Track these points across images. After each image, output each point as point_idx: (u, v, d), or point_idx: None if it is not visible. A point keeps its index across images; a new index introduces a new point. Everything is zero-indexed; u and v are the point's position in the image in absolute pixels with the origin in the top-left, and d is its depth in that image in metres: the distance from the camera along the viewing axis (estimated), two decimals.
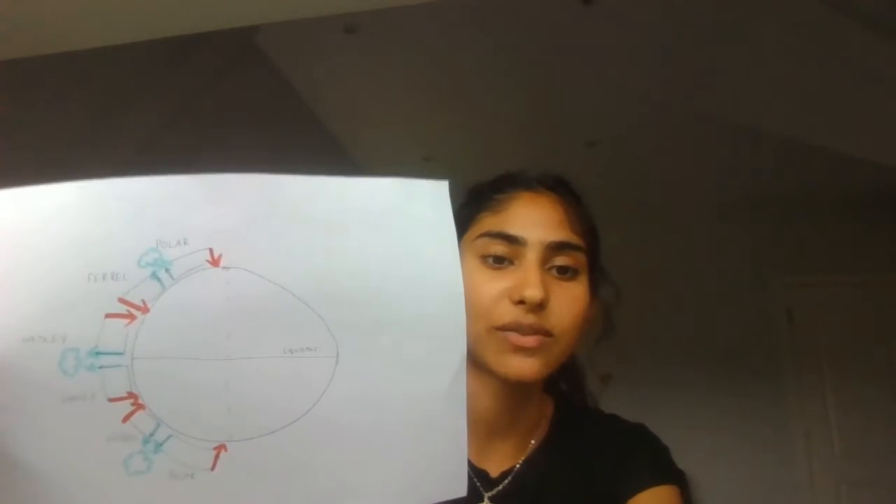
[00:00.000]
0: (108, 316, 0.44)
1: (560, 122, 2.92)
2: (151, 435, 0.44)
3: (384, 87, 2.68)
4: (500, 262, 0.63)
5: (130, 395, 0.44)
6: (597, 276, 0.69)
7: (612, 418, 0.73)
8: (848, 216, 3.61)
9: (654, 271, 3.49)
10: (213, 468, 0.45)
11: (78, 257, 0.44)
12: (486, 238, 0.64)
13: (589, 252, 0.66)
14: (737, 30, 2.23)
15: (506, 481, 0.66)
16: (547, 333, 0.61)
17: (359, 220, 0.49)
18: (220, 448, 0.45)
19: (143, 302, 0.44)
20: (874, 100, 2.31)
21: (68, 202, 0.45)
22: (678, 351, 3.58)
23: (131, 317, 0.44)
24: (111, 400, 0.43)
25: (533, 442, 0.69)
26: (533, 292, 0.59)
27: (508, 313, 0.60)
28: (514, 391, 0.65)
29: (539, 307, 0.60)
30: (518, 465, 0.67)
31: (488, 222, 0.65)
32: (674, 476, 0.67)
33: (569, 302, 0.63)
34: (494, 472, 0.67)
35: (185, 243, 0.45)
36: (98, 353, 0.43)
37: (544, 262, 0.63)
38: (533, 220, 0.64)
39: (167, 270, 0.45)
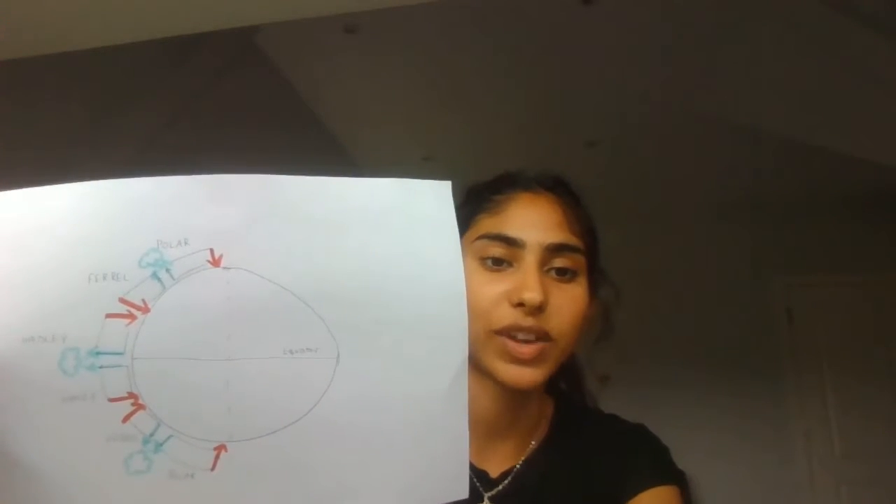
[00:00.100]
0: (108, 316, 0.44)
1: (560, 122, 2.92)
2: (151, 435, 0.44)
3: (384, 87, 2.68)
4: (498, 264, 0.63)
5: (130, 395, 0.44)
6: (596, 276, 0.69)
7: (612, 418, 0.73)
8: (848, 216, 3.61)
9: (654, 271, 3.50)
10: (213, 468, 0.45)
11: (79, 257, 0.44)
12: (484, 240, 0.64)
13: (588, 253, 0.66)
14: (737, 30, 2.23)
15: (506, 481, 0.66)
16: (546, 336, 0.61)
17: (360, 220, 0.49)
18: (221, 448, 0.45)
19: (144, 302, 0.44)
20: (874, 100, 2.31)
21: (69, 203, 0.45)
22: (678, 351, 3.58)
23: (132, 317, 0.44)
24: (111, 400, 0.43)
25: (533, 442, 0.69)
26: (532, 295, 0.59)
27: (508, 316, 0.60)
28: (514, 393, 0.65)
29: (538, 310, 0.60)
30: (518, 466, 0.67)
31: (487, 224, 0.65)
32: (674, 476, 0.67)
33: (568, 304, 0.62)
34: (494, 472, 0.67)
35: (185, 243, 0.45)
36: (98, 353, 0.43)
37: (543, 264, 0.62)
38: (532, 222, 0.64)
39: (168, 271, 0.45)
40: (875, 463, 3.53)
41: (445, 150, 3.14)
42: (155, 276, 0.45)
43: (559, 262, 0.63)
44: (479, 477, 0.66)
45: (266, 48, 2.49)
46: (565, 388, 0.77)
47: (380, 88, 2.69)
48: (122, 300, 0.44)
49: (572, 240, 0.64)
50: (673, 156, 3.18)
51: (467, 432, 0.51)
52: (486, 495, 0.66)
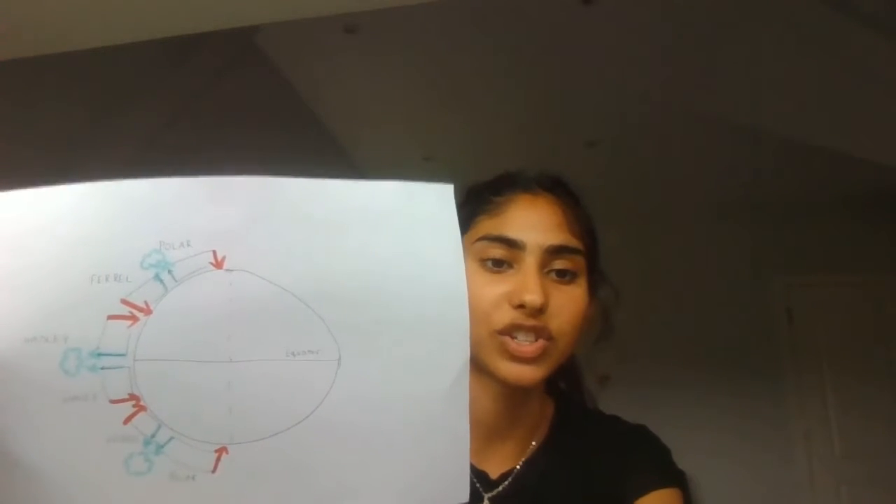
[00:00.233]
0: (110, 317, 0.44)
1: (560, 122, 2.92)
2: (153, 436, 0.44)
3: (384, 87, 2.68)
4: (498, 265, 0.63)
5: (132, 396, 0.44)
6: (596, 277, 0.69)
7: (613, 419, 0.73)
8: (848, 216, 3.61)
9: (654, 271, 3.50)
10: (214, 470, 0.45)
11: (81, 258, 0.44)
12: (484, 241, 0.64)
13: (588, 254, 0.66)
14: (737, 30, 2.23)
15: (506, 482, 0.66)
16: (547, 336, 0.61)
17: (361, 222, 0.49)
18: (222, 450, 0.45)
19: (146, 303, 0.44)
20: (874, 100, 2.31)
21: (72, 204, 0.45)
22: (678, 351, 3.58)
23: (134, 318, 0.44)
24: (112, 401, 0.43)
25: (533, 443, 0.69)
26: (532, 297, 0.59)
27: (508, 317, 0.60)
28: (515, 393, 0.65)
29: (539, 311, 0.60)
30: (518, 467, 0.67)
31: (487, 225, 0.65)
32: (676, 479, 0.67)
33: (568, 305, 0.63)
34: (494, 473, 0.67)
35: (187, 245, 0.45)
36: (100, 354, 0.43)
37: (543, 266, 0.63)
38: (532, 224, 0.64)
39: (170, 272, 0.45)
40: (875, 463, 3.53)
41: (445, 150, 3.14)
42: (157, 277, 0.45)
43: (559, 264, 0.63)
44: (479, 478, 0.66)
45: (266, 48, 2.49)
46: (564, 386, 0.78)
47: (380, 88, 2.69)
48: (124, 301, 0.44)
49: (572, 241, 0.64)
50: (673, 156, 3.18)
51: (468, 434, 0.51)
52: (486, 496, 0.66)
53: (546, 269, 0.63)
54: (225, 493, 0.45)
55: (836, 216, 3.62)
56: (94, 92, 2.51)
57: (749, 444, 3.54)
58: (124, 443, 0.43)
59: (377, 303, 0.48)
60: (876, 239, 3.63)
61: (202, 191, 0.46)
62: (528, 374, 0.61)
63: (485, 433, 0.66)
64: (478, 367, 0.61)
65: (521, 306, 0.60)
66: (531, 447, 0.69)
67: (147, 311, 0.44)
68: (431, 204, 0.51)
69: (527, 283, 0.61)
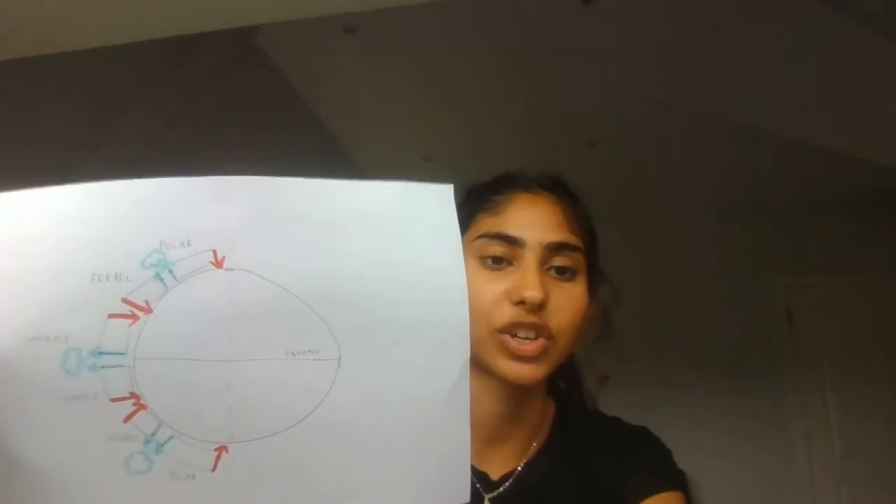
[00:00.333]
0: (111, 316, 0.44)
1: (560, 122, 2.92)
2: (153, 435, 0.44)
3: (384, 87, 2.68)
4: (498, 262, 0.63)
5: (132, 395, 0.44)
6: (595, 276, 0.69)
7: (613, 421, 0.73)
8: (848, 216, 3.61)
9: (653, 271, 3.50)
10: (214, 469, 0.45)
11: (82, 258, 0.44)
12: (484, 239, 0.64)
13: (587, 253, 0.67)
14: (737, 30, 2.23)
15: (507, 483, 0.66)
16: (547, 334, 0.61)
17: (362, 222, 0.49)
18: (222, 449, 0.45)
19: (147, 302, 0.44)
20: (874, 100, 2.31)
21: (73, 204, 0.45)
22: (678, 351, 3.58)
23: (134, 317, 0.44)
24: (113, 400, 0.44)
25: (534, 444, 0.69)
26: (532, 293, 0.59)
27: (508, 314, 0.61)
28: (516, 393, 0.65)
29: (539, 307, 0.60)
30: (519, 468, 0.67)
31: (487, 223, 0.65)
32: (677, 481, 0.67)
33: (568, 302, 0.63)
34: (495, 474, 0.67)
35: (188, 244, 0.45)
36: (100, 353, 0.43)
37: (543, 263, 0.63)
38: (531, 221, 0.64)
39: (170, 271, 0.45)
40: (875, 463, 3.53)
41: (445, 150, 3.14)
42: (158, 276, 0.45)
43: (559, 261, 0.63)
44: (479, 479, 0.66)
45: (266, 48, 2.49)
46: (566, 390, 0.78)
47: (380, 88, 2.69)
48: (125, 300, 0.44)
49: (572, 239, 0.64)
50: (673, 156, 3.18)
51: (469, 435, 0.51)
52: (487, 497, 0.66)
53: (546, 267, 0.63)
54: (225, 493, 0.45)
55: (836, 216, 3.62)
56: (94, 92, 2.51)
57: (749, 444, 3.54)
58: (124, 442, 0.43)
59: (377, 303, 0.48)
60: (876, 239, 3.63)
61: (203, 190, 0.47)
62: (528, 372, 0.61)
63: (486, 434, 0.66)
64: (478, 366, 0.61)
65: (520, 303, 0.60)
66: (532, 448, 0.69)
67: (147, 311, 0.44)
68: (431, 204, 0.51)
69: (526, 280, 0.61)
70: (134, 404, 0.44)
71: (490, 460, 0.67)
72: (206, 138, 2.66)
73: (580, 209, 0.69)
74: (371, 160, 3.28)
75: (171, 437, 0.44)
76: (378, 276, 0.49)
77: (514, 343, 0.60)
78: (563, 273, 0.64)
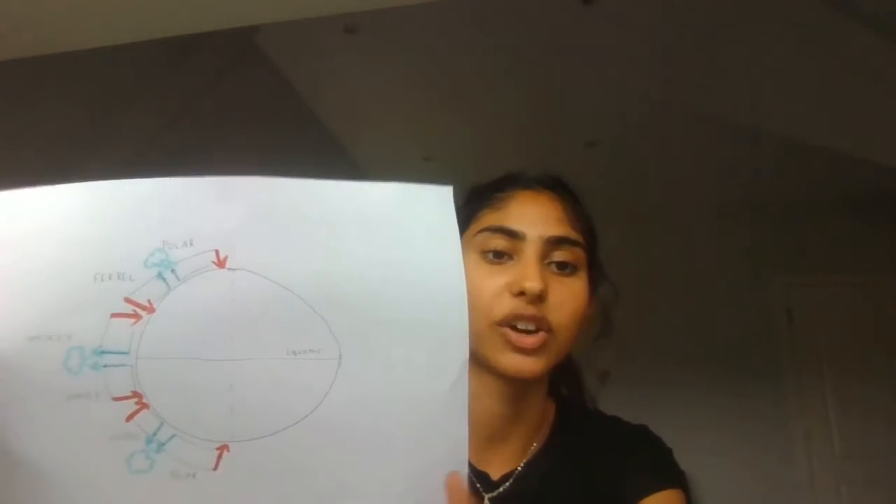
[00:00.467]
0: (113, 315, 0.44)
1: (560, 122, 2.92)
2: (154, 434, 0.44)
3: (384, 87, 2.68)
4: (499, 256, 0.64)
5: (134, 394, 0.44)
6: (595, 274, 0.70)
7: (614, 420, 0.73)
8: (848, 216, 3.61)
9: (653, 271, 3.50)
10: (215, 468, 0.45)
11: (85, 257, 0.44)
12: (486, 233, 0.65)
13: (588, 249, 0.67)
14: (737, 30, 2.23)
15: (507, 483, 0.66)
16: (547, 327, 0.61)
17: (363, 223, 0.49)
18: (223, 448, 0.45)
19: (149, 302, 0.45)
20: (874, 100, 2.31)
21: (76, 203, 0.45)
22: (678, 351, 3.58)
23: (137, 316, 0.44)
24: (115, 399, 0.44)
25: (535, 444, 0.69)
26: (532, 284, 0.60)
27: (508, 305, 0.61)
28: (517, 392, 0.65)
29: (538, 299, 0.61)
30: (520, 468, 0.67)
31: (489, 218, 0.66)
32: (678, 480, 0.67)
33: (568, 297, 0.63)
34: (496, 474, 0.67)
35: (190, 244, 0.46)
36: (103, 352, 0.44)
37: (543, 257, 0.63)
38: (532, 216, 0.65)
39: (173, 271, 0.45)
40: (875, 463, 3.53)
41: (445, 150, 3.14)
42: (160, 276, 0.45)
43: (559, 256, 0.64)
44: (480, 478, 0.66)
45: (266, 48, 2.49)
46: (566, 391, 0.78)
47: (380, 88, 2.69)
48: (128, 300, 0.44)
49: (572, 234, 0.65)
50: (673, 156, 3.18)
51: (467, 434, 0.51)
52: (487, 496, 0.66)
53: (547, 261, 0.64)
54: (226, 491, 0.45)
55: (836, 216, 3.62)
56: (94, 92, 2.51)
57: (749, 444, 3.54)
58: (126, 440, 0.44)
59: (377, 303, 0.49)
60: (876, 239, 3.63)
61: (205, 191, 0.47)
62: (528, 365, 0.61)
63: (486, 434, 0.66)
64: (479, 362, 0.62)
65: (521, 293, 0.61)
66: (532, 448, 0.69)
67: (150, 310, 0.45)
68: (431, 205, 0.52)
69: (527, 272, 0.61)
70: (136, 403, 0.44)
71: (490, 460, 0.67)
72: (206, 138, 2.66)
73: (580, 207, 0.70)
74: (371, 160, 3.28)
75: (172, 436, 0.44)
76: (378, 276, 0.49)
77: (514, 336, 0.61)
78: (564, 268, 0.64)
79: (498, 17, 2.24)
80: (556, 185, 0.70)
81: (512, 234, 0.64)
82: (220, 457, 0.45)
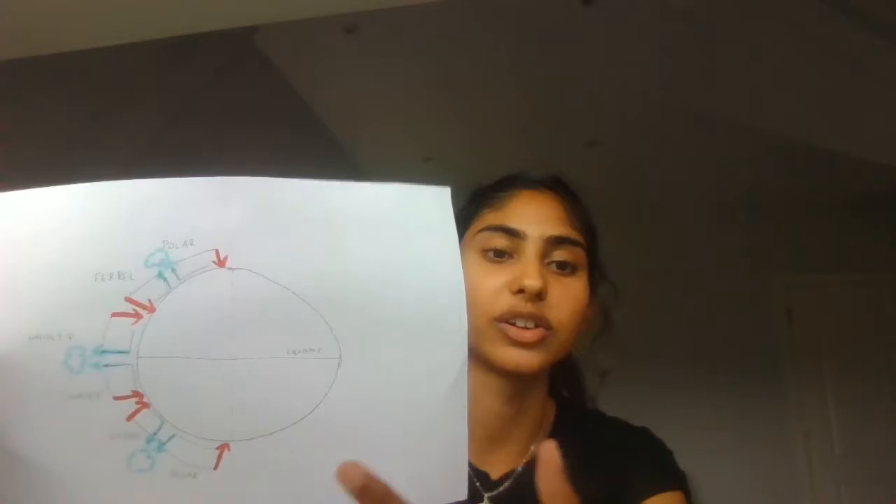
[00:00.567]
0: (114, 315, 0.44)
1: (560, 122, 2.92)
2: (155, 434, 0.44)
3: (384, 87, 2.68)
4: (500, 255, 0.64)
5: (135, 393, 0.44)
6: (595, 274, 0.70)
7: (615, 421, 0.73)
8: (848, 216, 3.62)
9: (654, 271, 3.50)
10: (215, 468, 0.45)
11: (85, 257, 0.44)
12: (487, 232, 0.65)
13: (588, 249, 0.67)
14: (737, 30, 2.23)
15: (507, 483, 0.67)
16: (546, 325, 0.62)
17: (362, 223, 0.50)
18: (223, 447, 0.45)
19: (150, 301, 0.45)
20: (874, 100, 2.31)
21: (77, 203, 0.45)
22: (678, 350, 3.58)
23: (137, 316, 0.44)
24: (116, 398, 0.44)
25: (535, 445, 0.69)
26: (532, 282, 0.61)
27: (507, 303, 0.62)
28: (516, 390, 0.65)
29: (538, 297, 0.61)
30: (520, 468, 0.67)
31: (489, 218, 0.67)
32: (679, 481, 0.67)
33: (567, 297, 0.64)
34: (495, 474, 0.67)
35: (191, 244, 0.46)
36: (104, 352, 0.44)
37: (544, 257, 0.64)
38: (533, 215, 0.66)
39: (173, 271, 0.45)
40: (875, 463, 3.54)
41: (445, 150, 3.14)
42: (160, 275, 0.45)
43: (559, 255, 0.64)
44: (479, 478, 0.66)
45: (266, 48, 2.49)
46: (567, 392, 0.78)
47: (380, 88, 2.69)
48: (128, 299, 0.44)
49: (572, 234, 0.66)
50: (673, 156, 3.18)
51: (466, 434, 0.51)
52: (486, 496, 0.66)
53: (547, 261, 0.64)
54: (226, 491, 0.45)
55: (836, 216, 3.63)
56: (94, 92, 2.51)
57: (749, 443, 3.54)
58: (127, 440, 0.44)
59: (376, 303, 0.49)
60: (876, 239, 3.63)
61: (205, 190, 0.47)
62: (526, 359, 0.62)
63: (487, 434, 0.67)
64: (478, 359, 0.62)
65: (520, 291, 0.61)
66: (532, 449, 0.69)
67: (150, 309, 0.45)
68: (429, 206, 0.52)
69: (526, 270, 0.62)
70: (136, 403, 0.44)
71: (490, 460, 0.67)
72: (206, 138, 2.66)
73: (581, 207, 0.70)
74: (371, 160, 3.28)
75: (173, 436, 0.44)
76: (377, 276, 0.49)
77: (512, 330, 0.61)
78: (564, 268, 0.65)
79: (498, 17, 2.24)
80: (556, 185, 0.70)
81: (512, 233, 0.64)
82: (220, 456, 0.45)
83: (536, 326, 0.62)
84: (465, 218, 0.70)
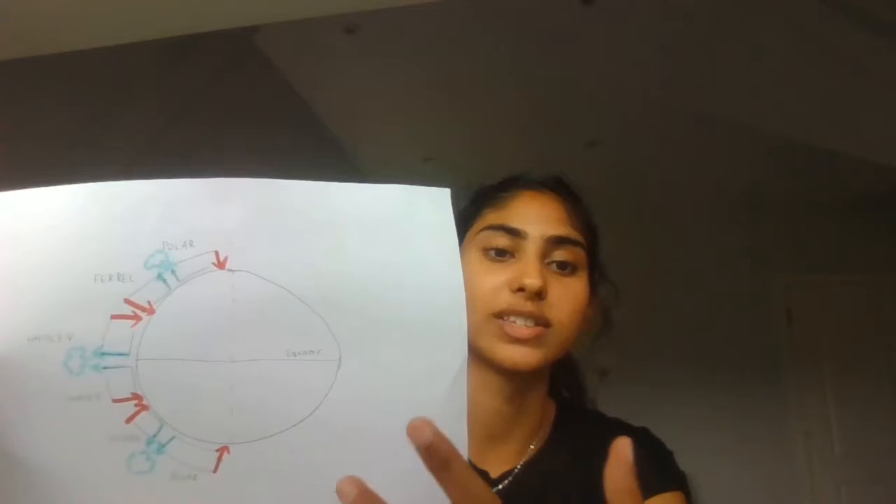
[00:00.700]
0: (113, 317, 0.44)
1: (560, 122, 2.92)
2: (154, 436, 0.44)
3: (384, 87, 2.68)
4: (501, 254, 0.65)
5: (134, 395, 0.44)
6: (595, 274, 0.70)
7: (615, 422, 0.73)
8: (848, 216, 3.62)
9: (654, 271, 3.50)
10: (215, 470, 0.45)
11: (85, 258, 0.44)
12: (488, 231, 0.66)
13: (588, 250, 0.68)
14: (737, 30, 2.23)
15: (506, 482, 0.67)
16: (545, 323, 0.62)
17: (362, 225, 0.50)
18: (223, 450, 0.45)
19: (149, 303, 0.45)
20: (874, 100, 2.31)
21: (76, 203, 0.45)
22: (678, 350, 3.58)
23: (137, 318, 0.44)
24: (115, 400, 0.44)
25: (535, 444, 0.69)
26: (532, 280, 0.61)
27: (507, 301, 0.62)
28: (516, 388, 0.66)
29: (538, 296, 0.61)
30: (518, 467, 0.67)
31: (491, 217, 0.67)
32: (679, 481, 0.67)
33: (567, 297, 0.64)
34: (495, 472, 0.67)
35: (190, 245, 0.45)
36: (103, 354, 0.44)
37: (544, 256, 0.64)
38: (534, 215, 0.66)
39: (173, 272, 0.45)
40: (875, 463, 3.54)
41: (445, 150, 3.14)
42: (160, 277, 0.45)
43: (560, 255, 0.65)
44: (479, 475, 0.66)
45: (266, 48, 2.49)
46: (567, 392, 0.78)
47: (380, 88, 2.69)
48: (128, 301, 0.44)
49: (573, 234, 0.66)
50: (673, 156, 3.18)
51: (466, 435, 0.51)
52: None
53: (547, 260, 0.65)
54: (226, 493, 0.45)
55: (836, 216, 3.63)
56: (94, 92, 2.51)
57: (749, 443, 3.54)
58: (126, 442, 0.44)
59: (376, 304, 0.49)
60: (876, 239, 3.63)
61: (205, 191, 0.47)
62: (524, 356, 0.62)
63: (486, 432, 0.67)
64: (477, 356, 0.62)
65: (520, 290, 0.61)
66: (532, 448, 0.69)
67: (150, 311, 0.44)
68: (429, 207, 0.52)
69: (527, 269, 0.62)
70: (136, 405, 0.44)
71: (490, 458, 0.67)
72: (206, 138, 2.66)
73: (582, 207, 0.71)
74: (371, 160, 3.28)
75: (172, 438, 0.44)
76: (377, 277, 0.49)
77: (510, 327, 0.62)
78: (564, 268, 0.65)
79: (498, 17, 2.24)
80: (558, 186, 0.71)
81: (513, 233, 0.65)
82: (220, 458, 0.45)
83: (536, 325, 0.62)
84: (466, 217, 0.70)
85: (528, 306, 0.61)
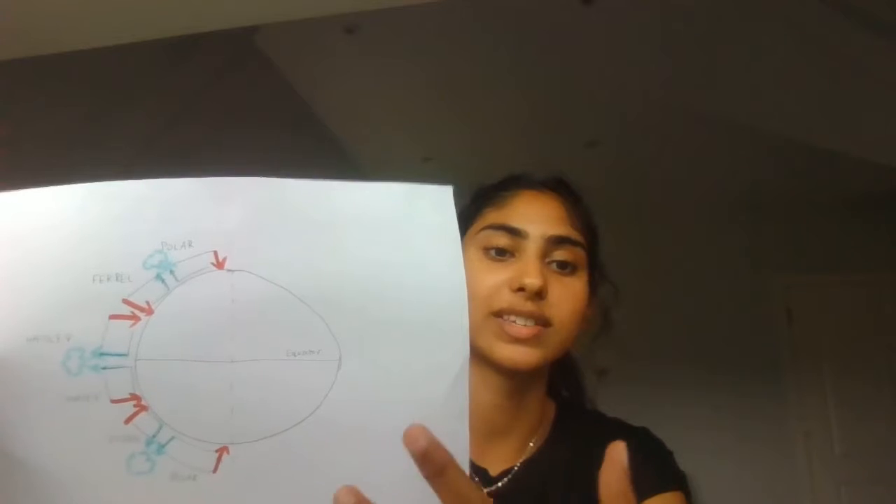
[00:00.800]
0: (112, 317, 0.44)
1: (560, 122, 2.92)
2: (154, 436, 0.44)
3: (384, 87, 2.68)
4: (501, 254, 0.65)
5: (133, 396, 0.44)
6: (595, 274, 0.70)
7: (615, 422, 0.73)
8: (848, 216, 3.62)
9: (654, 271, 3.50)
10: (214, 470, 0.45)
11: (83, 258, 0.44)
12: (488, 230, 0.66)
13: (588, 250, 0.68)
14: (737, 30, 2.23)
15: (505, 479, 0.67)
16: (545, 323, 0.62)
17: (363, 224, 0.49)
18: (223, 450, 0.45)
19: (148, 303, 0.44)
20: (874, 100, 2.31)
21: (75, 203, 0.45)
22: (678, 350, 3.58)
23: (135, 318, 0.44)
24: (114, 401, 0.44)
25: (534, 442, 0.69)
26: (532, 280, 0.61)
27: (507, 300, 0.62)
28: (515, 387, 0.66)
29: (538, 296, 0.62)
30: (518, 465, 0.68)
31: (491, 216, 0.68)
32: (679, 481, 0.67)
33: (567, 296, 0.64)
34: (494, 470, 0.67)
35: (189, 245, 0.45)
36: (102, 354, 0.43)
37: (544, 256, 0.65)
38: (534, 215, 0.66)
39: (172, 272, 0.45)
40: (875, 463, 3.54)
41: (445, 150, 3.14)
42: (159, 277, 0.45)
43: (560, 255, 0.65)
44: (478, 474, 0.66)
45: (266, 48, 2.49)
46: (566, 392, 0.78)
47: (380, 88, 2.69)
48: (126, 301, 0.44)
49: (573, 234, 0.66)
50: (673, 156, 3.18)
51: (468, 434, 0.51)
52: (485, 491, 0.66)
53: (547, 260, 0.65)
54: (225, 494, 0.45)
55: (836, 216, 3.63)
56: (94, 92, 2.51)
57: (749, 443, 3.54)
58: (126, 442, 0.43)
59: (377, 304, 0.49)
60: (876, 239, 3.63)
61: (204, 191, 0.47)
62: (523, 356, 0.62)
63: (486, 431, 0.67)
64: (477, 355, 0.63)
65: (520, 289, 0.61)
66: (531, 446, 0.69)
67: (149, 311, 0.44)
68: (431, 206, 0.52)
69: (527, 269, 0.63)
70: (135, 405, 0.44)
71: (490, 456, 0.67)
72: (206, 138, 2.66)
73: (582, 207, 0.71)
74: (371, 160, 3.28)
75: (172, 438, 0.44)
76: (378, 277, 0.49)
77: (509, 326, 0.62)
78: (565, 268, 0.65)
79: (498, 17, 2.24)
80: (558, 186, 0.71)
81: (514, 232, 0.65)
82: (219, 459, 0.45)
83: (535, 325, 0.62)
84: (467, 216, 0.70)
85: (528, 306, 0.61)
